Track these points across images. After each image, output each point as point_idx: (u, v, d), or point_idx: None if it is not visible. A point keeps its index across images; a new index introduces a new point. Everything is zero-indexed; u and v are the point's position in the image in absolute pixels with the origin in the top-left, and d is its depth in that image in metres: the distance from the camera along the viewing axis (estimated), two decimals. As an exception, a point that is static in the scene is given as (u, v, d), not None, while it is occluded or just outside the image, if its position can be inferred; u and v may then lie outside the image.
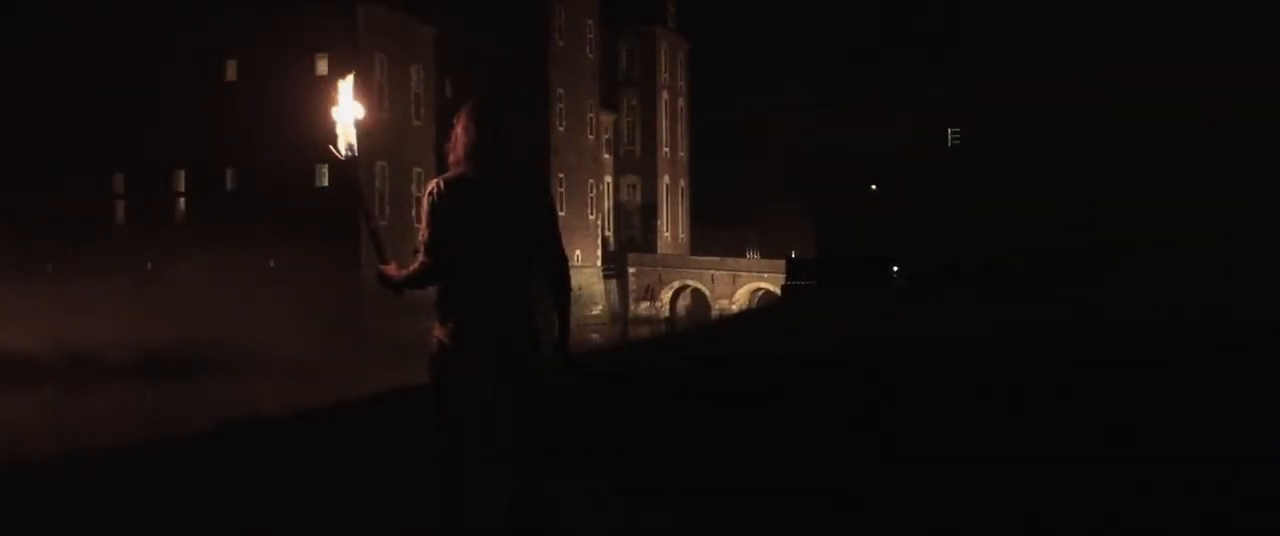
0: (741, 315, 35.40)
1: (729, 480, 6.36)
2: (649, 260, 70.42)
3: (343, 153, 4.49)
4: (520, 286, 4.31)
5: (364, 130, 4.48)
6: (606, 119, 71.74)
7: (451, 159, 4.40)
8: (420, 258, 4.32)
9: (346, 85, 4.52)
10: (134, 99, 48.40)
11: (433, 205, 4.28)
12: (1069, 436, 7.76)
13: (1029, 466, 6.64)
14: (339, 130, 4.49)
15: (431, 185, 4.37)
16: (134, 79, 48.37)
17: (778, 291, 54.90)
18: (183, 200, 50.50)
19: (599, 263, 66.71)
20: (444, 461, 4.29)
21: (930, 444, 7.57)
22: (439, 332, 4.31)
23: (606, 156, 71.87)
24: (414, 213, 46.94)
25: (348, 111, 4.46)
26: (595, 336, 50.07)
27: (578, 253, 62.33)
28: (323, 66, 44.75)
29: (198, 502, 6.07)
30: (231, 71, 48.65)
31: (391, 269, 4.38)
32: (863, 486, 6.21)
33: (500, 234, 4.26)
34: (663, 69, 77.54)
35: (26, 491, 6.83)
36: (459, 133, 4.38)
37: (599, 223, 67.83)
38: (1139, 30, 39.18)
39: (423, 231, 4.32)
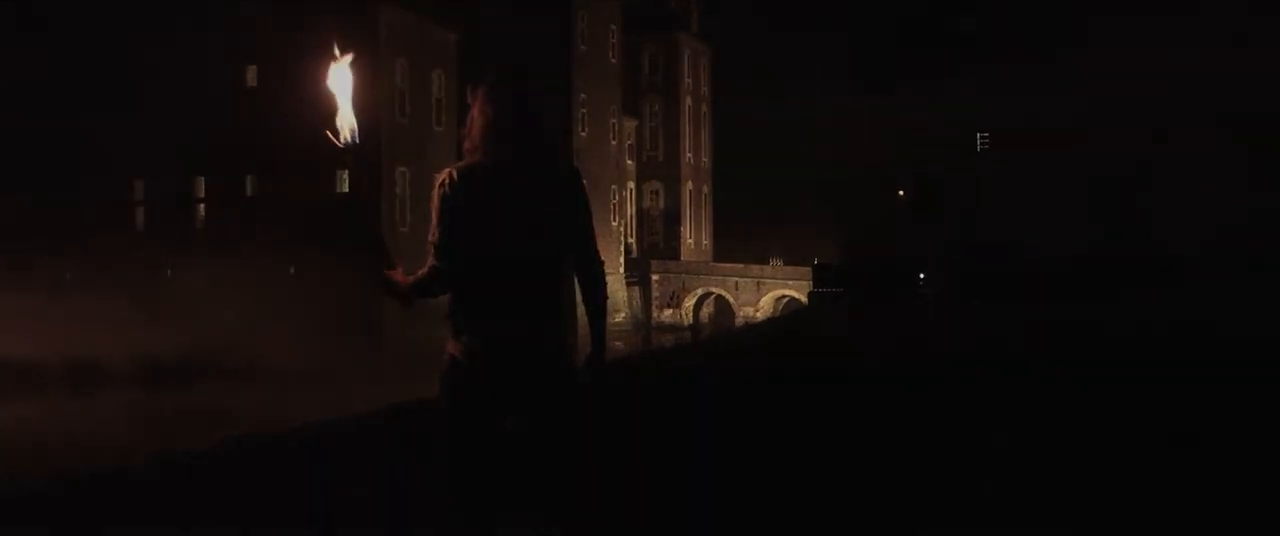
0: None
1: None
2: (672, 267, 69.93)
3: (344, 138, 3.74)
4: (548, 293, 3.61)
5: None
6: (629, 125, 71.28)
7: (466, 145, 3.65)
8: (430, 261, 3.61)
9: (342, 66, 3.77)
10: (154, 105, 48.14)
11: (444, 199, 3.54)
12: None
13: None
14: (339, 113, 3.74)
15: (443, 176, 3.60)
16: (154, 84, 48.12)
17: (804, 299, 54.15)
18: (203, 206, 50.24)
19: (622, 269, 66.23)
20: (453, 501, 3.57)
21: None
22: (452, 348, 3.58)
23: (629, 162, 71.43)
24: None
25: (345, 89, 3.73)
26: (619, 344, 49.46)
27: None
28: (344, 71, 44.36)
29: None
30: (252, 77, 48.36)
31: (397, 275, 3.66)
32: None
33: (524, 232, 3.54)
34: (686, 75, 77.07)
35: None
36: (475, 114, 3.64)
37: (622, 229, 67.38)
38: (1166, 33, 38.45)
39: (433, 230, 3.57)
